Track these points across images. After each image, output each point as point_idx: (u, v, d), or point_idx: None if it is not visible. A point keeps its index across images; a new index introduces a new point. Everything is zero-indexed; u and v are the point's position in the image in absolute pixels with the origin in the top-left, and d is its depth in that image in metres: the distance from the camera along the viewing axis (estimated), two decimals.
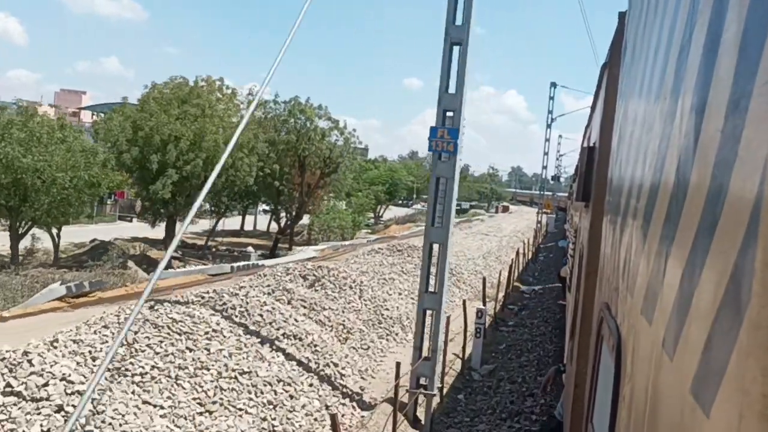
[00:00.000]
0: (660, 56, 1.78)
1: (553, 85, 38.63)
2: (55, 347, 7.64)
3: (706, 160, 1.06)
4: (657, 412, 1.29)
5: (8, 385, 6.43)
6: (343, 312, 13.04)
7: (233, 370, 8.35)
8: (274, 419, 7.97)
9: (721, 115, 0.99)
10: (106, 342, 8.16)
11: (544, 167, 39.71)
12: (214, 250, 37.31)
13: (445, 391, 10.38)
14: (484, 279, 15.86)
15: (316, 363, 9.98)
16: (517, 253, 24.36)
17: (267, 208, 44.47)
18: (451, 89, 9.07)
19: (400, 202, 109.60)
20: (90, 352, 7.79)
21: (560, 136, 68.50)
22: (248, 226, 49.17)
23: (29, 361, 6.75)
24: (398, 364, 8.19)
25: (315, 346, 10.53)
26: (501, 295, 17.10)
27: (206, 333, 9.03)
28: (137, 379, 7.45)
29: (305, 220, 43.46)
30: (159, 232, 31.57)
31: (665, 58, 1.67)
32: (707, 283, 0.98)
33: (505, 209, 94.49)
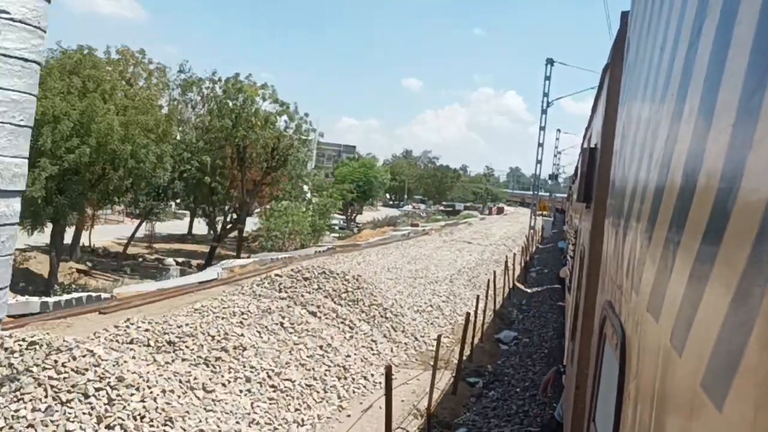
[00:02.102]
0: (666, 55, 1.78)
1: (550, 62, 32.49)
2: None
3: (717, 158, 1.07)
4: (665, 408, 1.29)
5: None
6: None
7: None
8: None
9: (731, 114, 0.99)
10: None
11: (539, 161, 33.72)
12: (140, 260, 31.98)
13: None
14: (438, 338, 9.58)
15: None
16: (506, 265, 19.67)
17: (183, 209, 38.79)
18: None
19: (391, 202, 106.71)
20: None
21: (558, 131, 62.53)
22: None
23: None
24: None
25: None
26: (473, 340, 11.95)
27: None
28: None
29: (253, 223, 37.04)
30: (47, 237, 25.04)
31: (672, 57, 1.67)
32: (719, 277, 0.98)
33: (500, 211, 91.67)
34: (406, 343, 12.51)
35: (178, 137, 28.89)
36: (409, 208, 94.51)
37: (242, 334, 9.34)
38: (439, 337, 9.86)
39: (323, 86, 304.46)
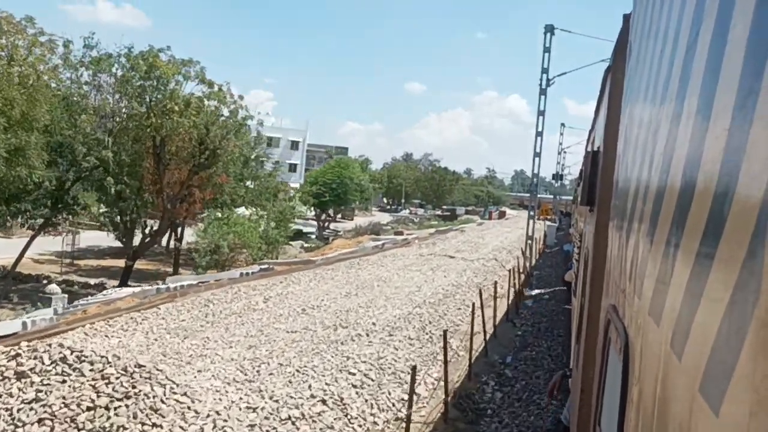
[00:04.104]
0: (666, 57, 1.78)
1: (549, 30, 24.96)
2: None
3: (714, 160, 1.07)
4: (666, 412, 1.29)
5: None
6: None
7: None
8: None
9: (728, 116, 0.99)
10: None
11: (537, 154, 26.11)
12: (44, 282, 24.74)
13: None
14: None
15: None
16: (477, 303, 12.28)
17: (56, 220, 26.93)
18: None
19: (389, 207, 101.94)
20: None
21: (563, 125, 57.20)
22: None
23: None
24: None
25: None
26: None
27: None
28: None
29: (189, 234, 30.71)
30: None
31: (671, 60, 1.67)
32: (715, 282, 0.98)
33: (502, 215, 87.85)
34: None
35: (88, 129, 23.56)
36: (406, 212, 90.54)
37: None
38: None
39: (327, 91, 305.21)
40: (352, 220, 67.24)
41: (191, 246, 29.99)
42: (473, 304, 11.88)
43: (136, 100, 23.86)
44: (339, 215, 68.58)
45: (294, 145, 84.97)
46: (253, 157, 35.33)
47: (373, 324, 13.74)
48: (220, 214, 29.05)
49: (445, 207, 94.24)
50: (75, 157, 23.06)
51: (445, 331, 9.43)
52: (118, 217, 27.03)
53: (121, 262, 28.34)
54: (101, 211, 28.55)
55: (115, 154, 23.75)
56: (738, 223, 0.89)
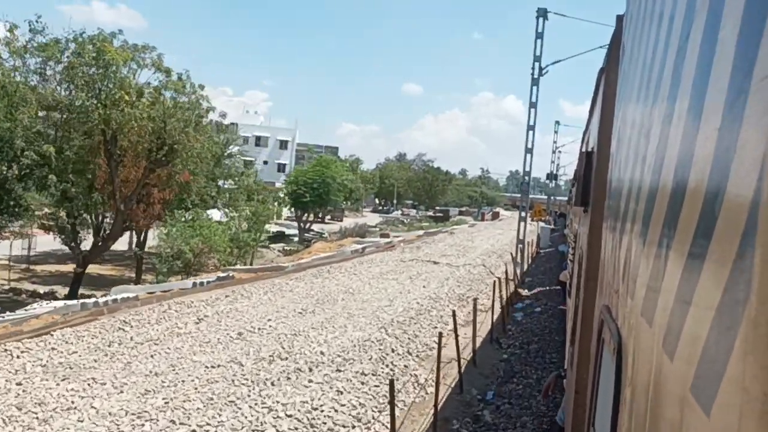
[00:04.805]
0: (658, 58, 1.79)
1: (542, 14, 22.80)
2: None
3: (704, 160, 1.07)
4: (658, 414, 1.29)
5: None
6: None
7: None
8: None
9: (718, 115, 0.99)
10: None
11: (529, 150, 23.89)
12: None
13: None
14: None
15: None
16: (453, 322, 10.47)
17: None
18: None
19: (381, 207, 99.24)
20: None
21: (557, 123, 56.05)
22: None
23: None
24: None
25: None
26: None
27: None
28: None
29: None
30: None
31: (663, 60, 1.67)
32: (706, 282, 0.98)
33: (495, 216, 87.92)
34: None
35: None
36: (398, 213, 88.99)
37: None
38: None
39: (324, 92, 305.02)
40: (341, 221, 64.93)
41: (153, 250, 27.55)
42: (440, 335, 9.14)
43: (83, 90, 21.36)
44: (328, 216, 67.06)
45: (283, 144, 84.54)
46: (227, 154, 33.51)
47: (322, 353, 11.59)
48: (186, 216, 26.60)
49: (437, 208, 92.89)
50: (15, 152, 20.85)
51: (391, 381, 7.01)
52: (65, 219, 23.91)
53: (101, 270, 26.50)
54: (45, 212, 25.34)
55: (60, 150, 21.56)
56: (728, 223, 0.89)
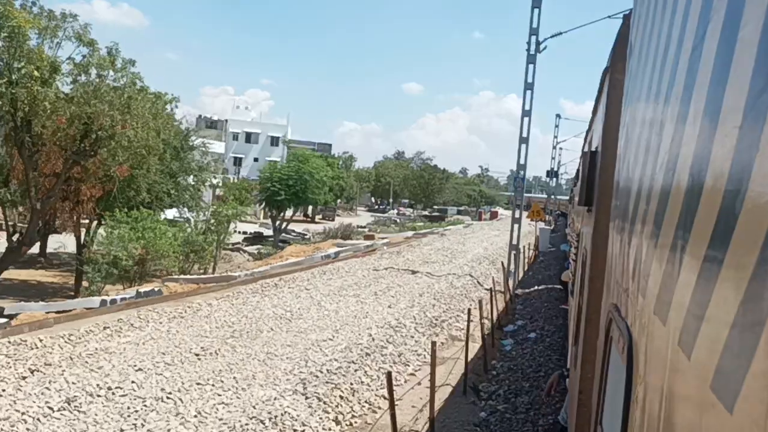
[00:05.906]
0: (670, 57, 1.79)
1: None
2: None
3: (723, 159, 1.07)
4: (674, 410, 1.29)
5: None
6: None
7: None
8: None
9: (738, 115, 0.99)
10: None
11: (524, 140, 21.68)
12: None
13: None
14: None
15: None
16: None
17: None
18: None
19: (376, 206, 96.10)
20: None
21: (558, 116, 52.20)
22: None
23: None
24: None
25: None
26: None
27: None
28: None
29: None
30: None
31: (676, 59, 1.67)
32: (727, 279, 0.98)
33: (494, 215, 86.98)
34: None
35: None
36: (394, 212, 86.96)
37: None
38: None
39: (325, 91, 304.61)
40: (333, 220, 60.71)
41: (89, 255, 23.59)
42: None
43: None
44: (319, 215, 65.32)
45: (274, 141, 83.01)
46: (189, 146, 30.28)
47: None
48: (131, 217, 23.33)
49: (435, 207, 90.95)
50: None
51: None
52: None
53: (19, 274, 22.86)
54: None
55: None
56: (751, 221, 0.89)
